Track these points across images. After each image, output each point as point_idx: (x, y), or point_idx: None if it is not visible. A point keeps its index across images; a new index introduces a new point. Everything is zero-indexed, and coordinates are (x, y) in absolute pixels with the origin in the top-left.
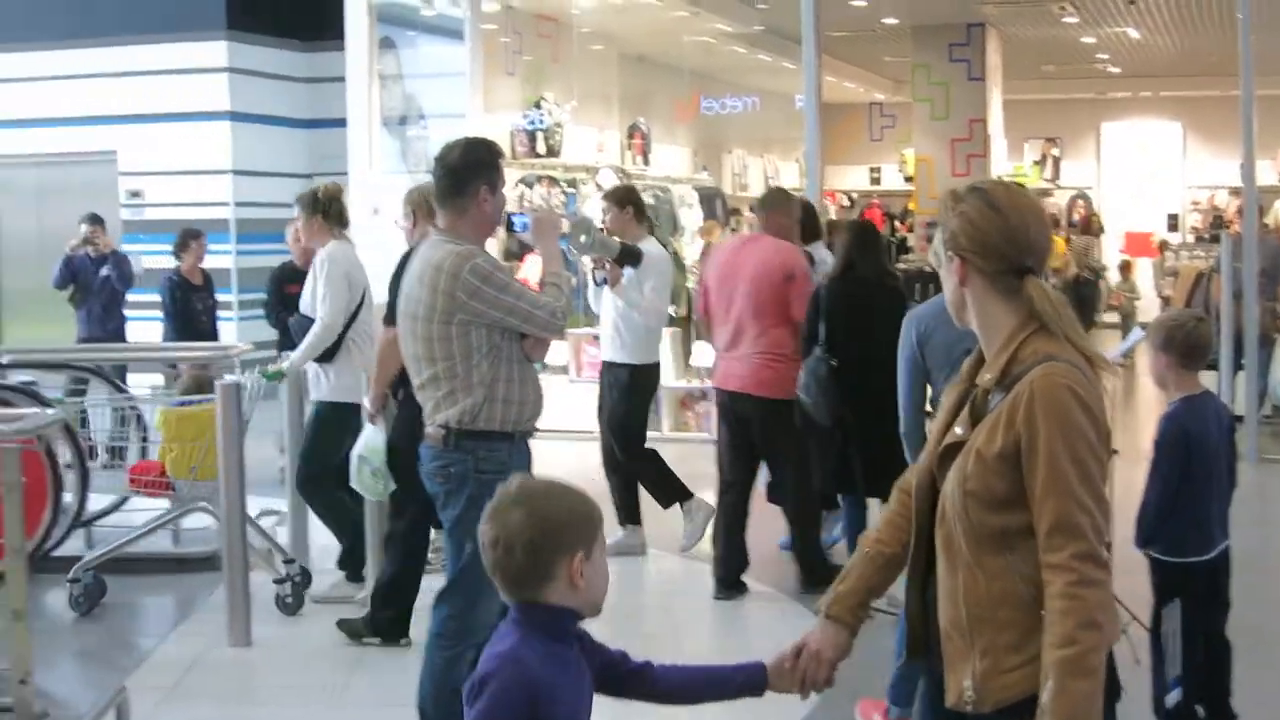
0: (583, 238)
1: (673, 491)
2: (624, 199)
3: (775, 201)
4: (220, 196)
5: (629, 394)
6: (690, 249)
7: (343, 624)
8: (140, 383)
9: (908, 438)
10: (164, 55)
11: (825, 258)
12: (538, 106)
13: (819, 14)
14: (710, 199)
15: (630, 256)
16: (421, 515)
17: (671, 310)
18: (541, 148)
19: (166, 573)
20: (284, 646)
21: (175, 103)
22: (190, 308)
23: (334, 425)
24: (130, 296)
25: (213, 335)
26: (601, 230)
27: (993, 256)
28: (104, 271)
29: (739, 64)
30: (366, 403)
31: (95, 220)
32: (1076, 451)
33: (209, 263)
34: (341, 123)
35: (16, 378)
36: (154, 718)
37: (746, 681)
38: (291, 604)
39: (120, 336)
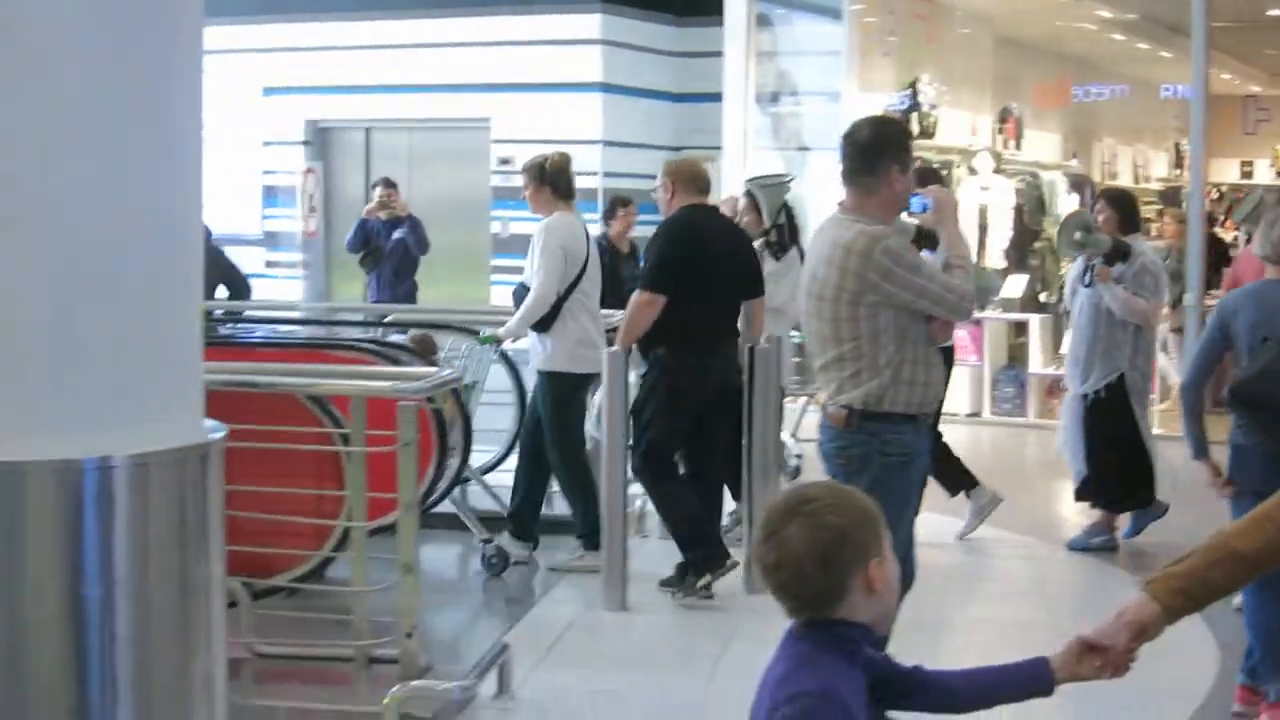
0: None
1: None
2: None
3: None
4: (589, 167)
5: None
6: None
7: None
8: None
9: (1184, 393)
10: (540, 26)
11: (1145, 249)
12: (912, 88)
13: (1209, 3)
14: (1080, 187)
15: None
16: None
17: (1042, 296)
18: (914, 129)
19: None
20: (659, 612)
21: (549, 73)
22: (617, 274)
23: (553, 394)
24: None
25: None
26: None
27: None
28: (397, 234)
29: (1113, 51)
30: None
31: (389, 184)
32: None
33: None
34: (711, 98)
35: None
36: (532, 677)
37: (1031, 676)
38: (496, 565)
39: (411, 300)
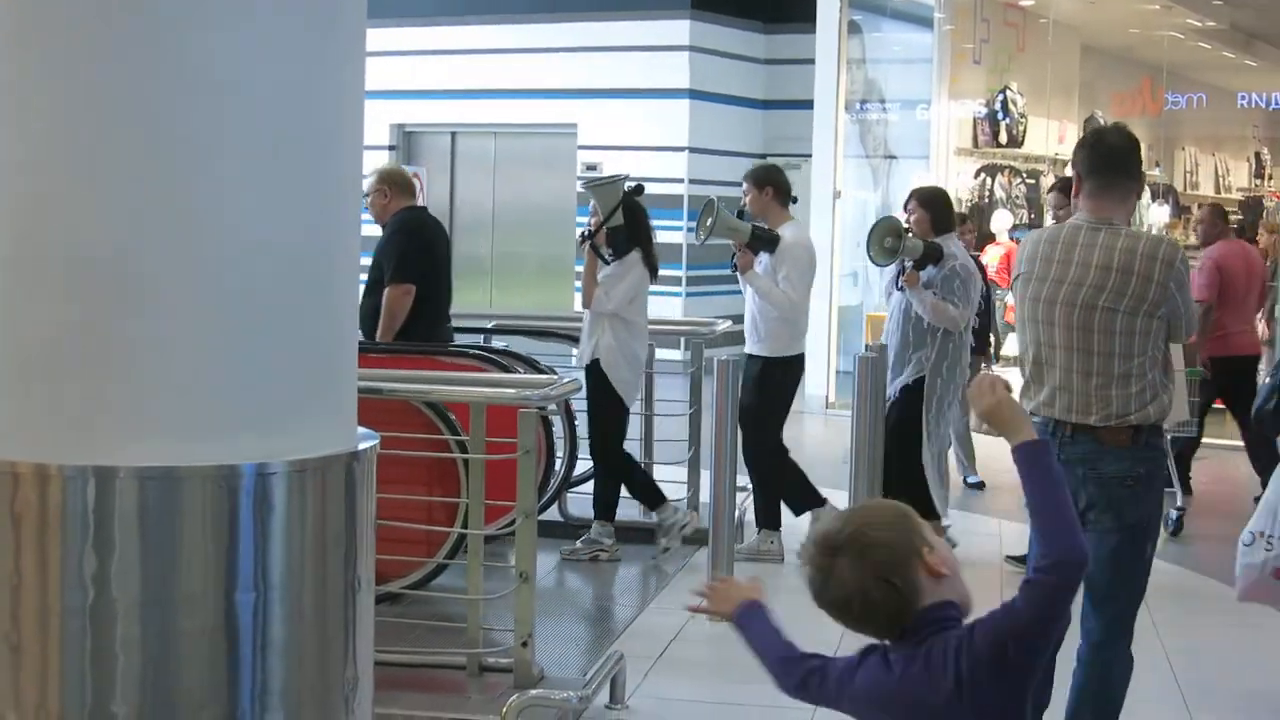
0: (709, 220)
1: (807, 498)
2: (763, 180)
3: None
4: (674, 173)
5: (759, 389)
6: None
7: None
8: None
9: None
10: (627, 32)
11: (956, 252)
12: (1001, 95)
13: None
14: (1163, 196)
15: (763, 241)
16: None
17: None
18: (1003, 137)
19: (639, 542)
20: None
21: (636, 79)
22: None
23: None
24: None
25: None
26: (740, 214)
27: None
28: None
29: (1198, 59)
30: None
31: None
32: None
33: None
34: (797, 104)
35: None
36: (643, 687)
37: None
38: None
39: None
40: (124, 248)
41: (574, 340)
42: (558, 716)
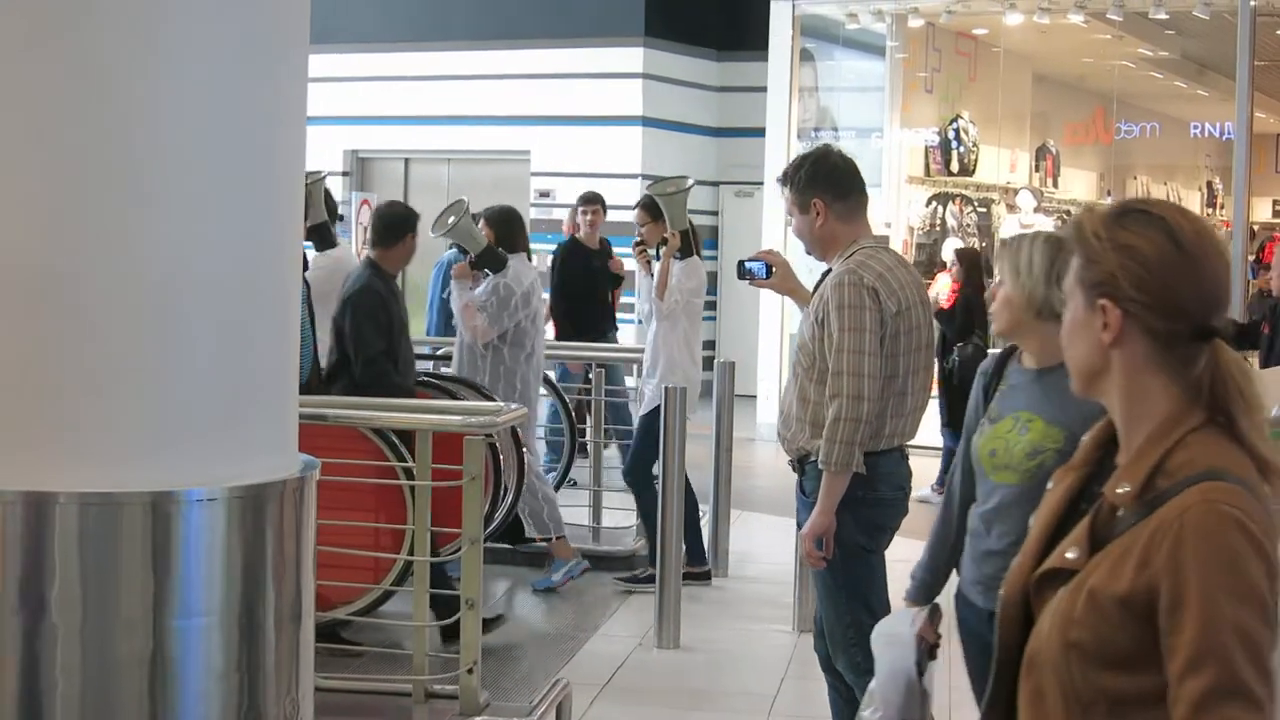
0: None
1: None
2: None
3: None
4: (627, 200)
5: None
6: None
7: None
8: None
9: None
10: (581, 59)
11: (518, 272)
12: (953, 124)
13: (1254, 43)
14: None
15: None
16: None
17: None
18: (955, 166)
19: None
20: (712, 651)
21: (589, 106)
22: None
23: None
24: None
25: None
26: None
27: (1172, 313)
28: None
29: (1150, 89)
30: None
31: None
32: (1239, 615)
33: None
34: (751, 132)
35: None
36: (589, 714)
37: None
38: None
39: None
40: (62, 274)
41: None
42: None
